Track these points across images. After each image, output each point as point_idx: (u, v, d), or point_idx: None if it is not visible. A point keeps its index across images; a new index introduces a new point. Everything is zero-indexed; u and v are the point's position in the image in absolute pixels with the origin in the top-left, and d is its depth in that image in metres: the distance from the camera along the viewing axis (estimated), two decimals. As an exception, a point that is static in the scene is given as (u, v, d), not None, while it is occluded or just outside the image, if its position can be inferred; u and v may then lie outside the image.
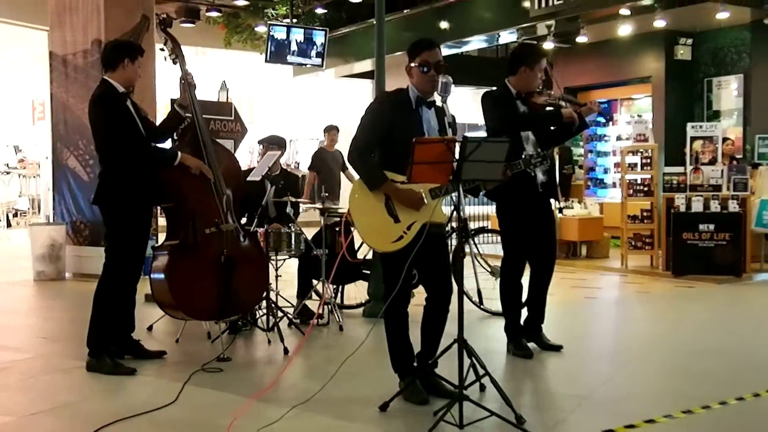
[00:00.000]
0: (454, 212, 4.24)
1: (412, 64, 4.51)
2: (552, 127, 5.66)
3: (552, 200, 5.82)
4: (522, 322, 5.75)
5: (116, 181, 5.21)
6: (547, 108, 5.54)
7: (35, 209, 18.66)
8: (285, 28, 14.41)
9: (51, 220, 11.10)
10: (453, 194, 4.24)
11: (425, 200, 4.32)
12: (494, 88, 5.70)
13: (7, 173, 19.39)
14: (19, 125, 19.92)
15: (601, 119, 5.62)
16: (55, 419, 4.28)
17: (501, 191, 5.57)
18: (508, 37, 14.08)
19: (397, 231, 4.31)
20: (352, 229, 4.55)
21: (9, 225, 18.30)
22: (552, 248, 5.79)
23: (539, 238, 5.69)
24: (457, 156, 4.01)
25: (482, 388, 4.56)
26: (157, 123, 5.97)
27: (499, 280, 5.91)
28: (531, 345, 5.67)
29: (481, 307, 7.11)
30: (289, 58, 14.55)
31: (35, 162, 18.96)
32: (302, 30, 14.54)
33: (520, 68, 5.55)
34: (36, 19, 13.76)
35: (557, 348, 5.69)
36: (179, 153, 5.36)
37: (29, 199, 19.16)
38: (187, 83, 5.53)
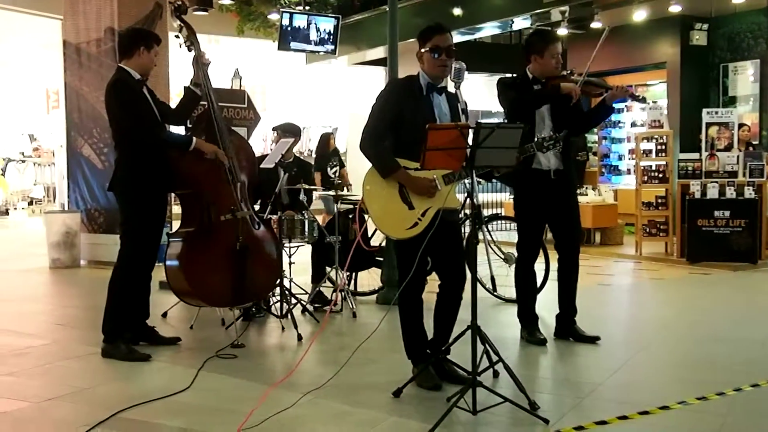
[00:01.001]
0: (468, 199, 4.23)
1: (423, 50, 4.49)
2: (567, 107, 5.55)
3: (575, 189, 5.74)
4: (555, 318, 5.74)
5: (132, 168, 5.23)
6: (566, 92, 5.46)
7: (50, 197, 18.77)
8: (297, 16, 14.38)
9: (66, 208, 11.17)
10: (466, 180, 4.23)
11: (438, 186, 4.31)
12: (510, 75, 5.65)
13: (23, 162, 19.50)
14: (33, 114, 20.01)
15: (636, 104, 5.48)
16: (71, 404, 4.31)
17: (515, 178, 5.55)
18: (521, 23, 14.00)
19: (411, 218, 4.30)
20: (366, 216, 4.55)
21: (7, 213, 18.40)
22: (574, 239, 5.69)
23: (560, 229, 5.65)
24: (470, 142, 4.00)
25: (495, 374, 4.56)
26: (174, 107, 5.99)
27: (512, 267, 5.89)
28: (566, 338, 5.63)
29: (495, 294, 7.11)
30: (302, 46, 14.52)
31: (50, 150, 19.06)
32: (315, 17, 14.50)
33: (531, 56, 5.52)
34: (49, 7, 13.79)
35: (594, 339, 5.58)
36: (194, 138, 5.38)
37: (44, 188, 19.28)
38: (199, 62, 5.54)
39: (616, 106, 5.66)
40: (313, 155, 19.53)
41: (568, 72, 5.56)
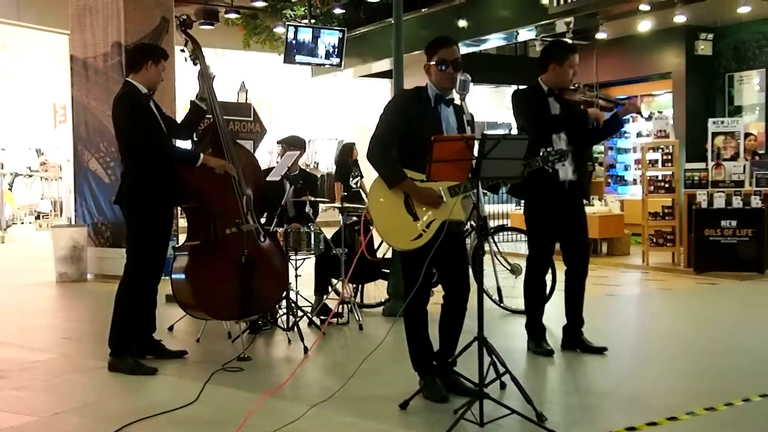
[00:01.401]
0: (474, 210, 4.23)
1: (430, 62, 4.50)
2: (584, 128, 5.56)
3: (583, 200, 5.74)
4: (562, 329, 5.72)
5: (138, 182, 5.25)
6: (581, 105, 5.47)
7: (57, 211, 18.80)
8: (303, 29, 14.43)
9: (73, 222, 11.19)
10: (472, 192, 4.23)
11: (444, 198, 4.31)
12: (525, 87, 5.65)
13: (30, 176, 19.56)
14: (40, 128, 20.08)
15: (641, 117, 5.60)
16: (78, 419, 4.32)
17: (526, 189, 5.54)
18: (526, 34, 14.03)
19: (416, 229, 4.31)
20: (372, 227, 4.55)
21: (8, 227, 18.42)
22: (583, 250, 5.68)
23: (569, 240, 5.64)
24: (476, 154, 4.00)
25: (503, 386, 4.55)
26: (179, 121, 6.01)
27: (518, 278, 5.87)
28: (573, 349, 5.60)
29: (501, 305, 7.10)
30: (308, 59, 14.58)
31: (57, 165, 19.10)
32: (320, 30, 14.56)
33: (549, 64, 5.50)
34: (57, 22, 13.89)
35: (601, 350, 5.55)
36: (201, 154, 5.39)
37: (51, 202, 19.32)
38: (204, 76, 5.57)
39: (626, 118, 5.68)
40: (318, 166, 19.55)
41: (576, 85, 5.56)
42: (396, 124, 4.44)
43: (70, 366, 5.48)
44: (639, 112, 5.67)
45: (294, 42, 14.29)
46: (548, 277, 6.40)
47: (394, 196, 4.34)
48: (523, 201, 5.74)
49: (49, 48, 15.81)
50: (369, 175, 4.49)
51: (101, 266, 9.86)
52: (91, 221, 10.12)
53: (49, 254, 10.04)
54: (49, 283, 9.65)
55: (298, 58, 14.40)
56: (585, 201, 5.72)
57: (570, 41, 12.89)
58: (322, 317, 6.80)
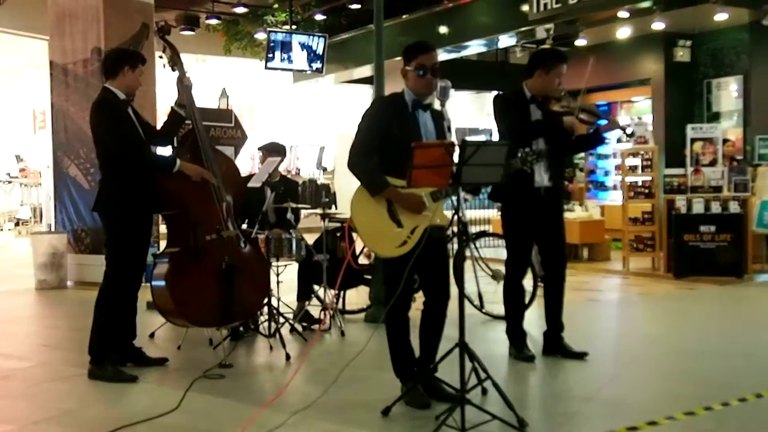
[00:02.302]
0: (455, 216, 4.24)
1: (408, 68, 4.50)
2: (564, 137, 5.56)
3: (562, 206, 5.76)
4: (542, 335, 5.74)
5: (116, 188, 5.23)
6: (562, 115, 5.47)
7: (37, 218, 18.67)
8: (284, 35, 14.42)
9: (52, 229, 11.12)
10: (453, 197, 4.24)
11: (426, 203, 4.32)
12: (506, 91, 5.65)
13: (9, 182, 19.41)
14: (20, 134, 19.94)
15: (625, 135, 5.62)
16: (58, 427, 4.28)
17: (504, 194, 5.57)
18: (507, 41, 14.08)
19: (400, 236, 4.31)
20: (355, 235, 4.54)
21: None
22: (560, 256, 5.70)
23: (547, 246, 5.67)
24: (456, 159, 4.01)
25: (484, 391, 4.55)
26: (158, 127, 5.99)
27: (499, 284, 5.89)
28: (553, 355, 5.63)
29: (483, 310, 7.11)
30: (289, 65, 14.56)
31: (36, 171, 18.96)
32: (301, 36, 14.55)
33: (536, 71, 5.48)
34: (36, 28, 13.78)
35: (582, 355, 5.58)
36: (178, 160, 5.37)
37: (31, 208, 19.17)
38: (183, 83, 5.56)
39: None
40: (300, 172, 19.52)
41: (562, 93, 5.56)
42: (375, 132, 4.44)
43: (50, 374, 5.44)
44: (622, 129, 5.69)
45: (275, 48, 14.27)
46: (529, 284, 6.44)
47: (376, 204, 4.33)
48: (500, 205, 5.76)
49: (28, 53, 15.69)
50: (350, 183, 4.48)
51: (81, 273, 9.80)
52: (71, 228, 10.05)
53: (29, 261, 9.97)
54: (28, 290, 9.57)
55: (279, 64, 14.38)
56: (565, 206, 5.74)
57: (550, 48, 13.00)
58: (304, 323, 6.79)
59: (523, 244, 5.64)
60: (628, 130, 5.73)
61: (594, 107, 5.72)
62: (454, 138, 4.44)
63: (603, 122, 5.58)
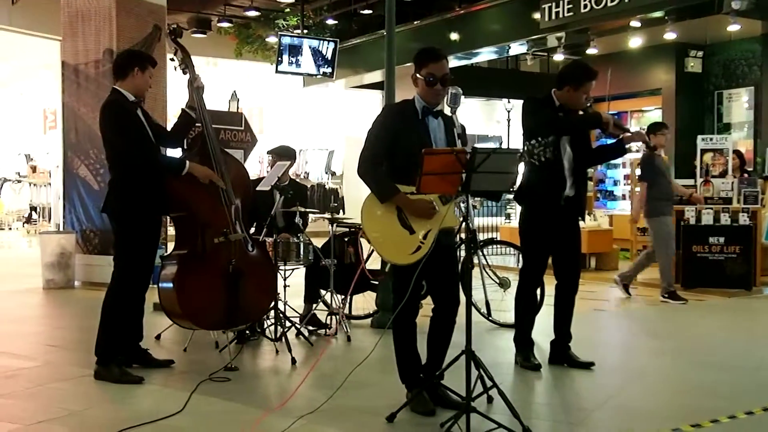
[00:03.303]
0: (463, 224, 4.23)
1: (418, 75, 4.50)
2: (587, 147, 5.57)
3: (579, 217, 5.74)
4: (549, 343, 5.72)
5: (126, 190, 5.23)
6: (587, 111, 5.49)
7: (45, 218, 18.73)
8: (296, 39, 14.45)
9: (61, 229, 11.15)
10: (462, 204, 4.23)
11: (436, 207, 4.31)
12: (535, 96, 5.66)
13: (18, 182, 19.49)
14: (30, 134, 20.03)
15: (647, 147, 5.74)
16: (63, 427, 4.28)
17: (524, 199, 5.56)
18: (518, 48, 14.10)
19: (413, 242, 4.30)
20: (369, 245, 4.51)
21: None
22: (575, 266, 5.68)
23: (562, 256, 5.65)
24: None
25: (490, 399, 4.54)
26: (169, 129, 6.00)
27: (507, 292, 5.87)
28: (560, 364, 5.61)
29: (490, 318, 7.09)
30: (300, 69, 14.60)
31: (46, 171, 19.04)
32: (313, 41, 14.58)
33: (565, 86, 5.46)
34: (49, 29, 13.85)
35: (588, 365, 5.56)
36: (188, 162, 5.38)
37: (40, 208, 19.24)
38: (194, 86, 5.57)
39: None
40: (309, 176, 19.53)
41: (588, 105, 5.57)
42: (383, 139, 4.44)
43: (56, 374, 5.45)
44: (645, 143, 5.70)
45: (286, 51, 14.31)
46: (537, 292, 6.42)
47: (387, 212, 4.33)
48: (519, 212, 5.74)
49: (40, 54, 15.76)
50: (358, 187, 4.47)
51: (89, 273, 9.81)
52: (80, 228, 10.07)
53: (37, 260, 9.99)
54: (35, 289, 9.59)
55: (290, 68, 14.42)
56: (580, 218, 5.73)
57: (562, 56, 13.01)
58: (310, 327, 6.79)
59: (540, 252, 5.61)
60: (651, 143, 5.75)
61: (621, 121, 5.72)
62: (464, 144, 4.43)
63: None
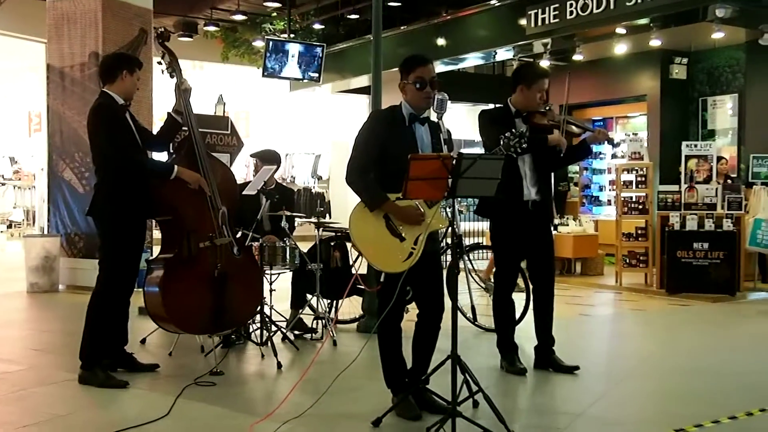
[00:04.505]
0: (449, 228, 4.25)
1: (406, 81, 4.51)
2: (549, 151, 5.57)
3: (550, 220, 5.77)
4: (534, 348, 5.74)
5: (111, 193, 5.22)
6: (549, 129, 5.49)
7: (30, 221, 18.61)
8: (282, 43, 14.44)
9: (45, 232, 11.08)
10: (448, 209, 4.25)
11: (423, 212, 4.32)
12: (492, 106, 5.69)
13: (2, 185, 19.35)
14: (15, 137, 19.90)
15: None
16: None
17: (491, 208, 5.58)
18: (504, 54, 14.13)
19: (405, 248, 4.29)
20: (359, 254, 4.49)
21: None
22: (548, 270, 5.72)
23: (534, 260, 5.69)
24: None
25: (475, 404, 4.55)
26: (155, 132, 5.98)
27: (492, 296, 5.89)
28: (545, 369, 5.63)
29: (476, 323, 7.11)
30: (287, 73, 14.57)
31: (31, 173, 18.92)
32: (300, 45, 14.58)
33: (518, 87, 5.56)
34: (34, 31, 13.77)
35: (573, 369, 5.58)
36: (176, 167, 5.37)
37: (24, 211, 19.11)
38: (180, 89, 5.56)
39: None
40: (295, 180, 19.50)
41: (547, 107, 5.59)
42: (371, 146, 4.44)
43: (40, 378, 5.42)
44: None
45: (273, 55, 14.28)
46: (522, 297, 6.45)
47: (375, 221, 4.32)
48: (489, 219, 5.77)
49: (25, 56, 15.67)
50: (345, 192, 4.47)
51: (74, 277, 9.77)
52: (64, 231, 10.02)
53: (21, 264, 9.93)
54: (19, 293, 9.54)
55: (277, 71, 14.39)
56: (551, 222, 5.76)
57: (548, 62, 13.06)
58: (297, 332, 6.78)
59: (510, 257, 5.66)
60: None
61: (580, 120, 5.76)
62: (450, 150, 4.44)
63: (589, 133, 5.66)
